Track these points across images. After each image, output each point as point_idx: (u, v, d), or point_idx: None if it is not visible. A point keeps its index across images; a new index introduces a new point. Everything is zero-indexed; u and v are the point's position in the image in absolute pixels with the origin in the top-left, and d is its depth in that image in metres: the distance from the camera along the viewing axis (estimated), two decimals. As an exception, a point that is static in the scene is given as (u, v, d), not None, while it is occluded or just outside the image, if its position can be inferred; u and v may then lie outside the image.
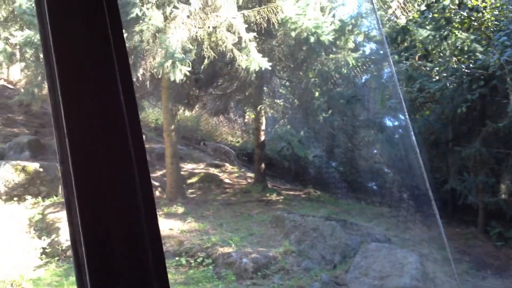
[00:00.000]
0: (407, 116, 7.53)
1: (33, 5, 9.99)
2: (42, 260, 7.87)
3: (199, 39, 10.16)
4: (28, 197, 9.71)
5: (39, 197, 9.78)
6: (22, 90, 14.94)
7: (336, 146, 13.65)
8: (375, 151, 13.63)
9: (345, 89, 12.16)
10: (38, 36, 10.18)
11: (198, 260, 7.91)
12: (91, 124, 1.08)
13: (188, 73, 9.72)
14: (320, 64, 11.49)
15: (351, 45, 11.33)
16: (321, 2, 10.93)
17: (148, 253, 1.07)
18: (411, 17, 11.45)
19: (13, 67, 17.67)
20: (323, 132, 13.04)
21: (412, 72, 10.34)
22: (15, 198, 9.61)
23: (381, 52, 12.61)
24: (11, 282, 6.95)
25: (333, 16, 11.13)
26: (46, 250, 8.06)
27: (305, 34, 10.29)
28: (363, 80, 13.16)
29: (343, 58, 11.33)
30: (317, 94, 11.66)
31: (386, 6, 12.91)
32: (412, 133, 6.75)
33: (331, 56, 11.52)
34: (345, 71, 11.77)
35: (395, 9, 12.38)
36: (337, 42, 11.22)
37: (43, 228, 8.76)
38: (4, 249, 7.96)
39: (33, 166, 10.01)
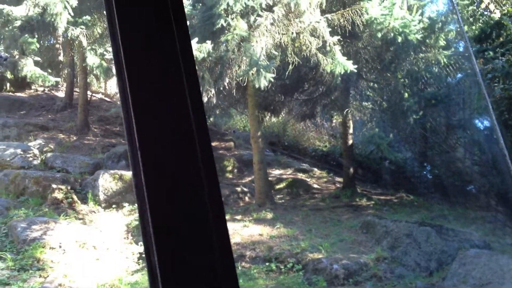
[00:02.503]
0: (493, 116, 7.06)
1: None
2: (139, 265, 8.21)
3: (283, 45, 10.22)
4: (125, 204, 10.20)
5: (136, 204, 10.23)
6: (118, 103, 15.79)
7: (429, 148, 13.11)
8: (472, 152, 12.93)
9: (437, 89, 11.68)
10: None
11: (288, 266, 7.90)
12: (162, 138, 1.12)
13: (272, 80, 9.79)
14: (409, 64, 11.14)
15: (442, 43, 10.87)
16: (408, 0, 10.63)
17: (219, 261, 1.08)
18: (505, 11, 10.80)
19: (110, 81, 18.76)
20: (414, 134, 12.59)
21: (509, 69, 9.73)
22: (114, 206, 10.13)
23: (475, 49, 12.01)
24: (111, 285, 7.34)
25: (421, 14, 10.73)
26: (143, 255, 8.41)
27: (392, 34, 10.02)
28: (456, 79, 12.56)
29: (433, 56, 10.91)
30: (406, 95, 11.30)
31: (478, 0, 12.30)
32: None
33: (421, 55, 11.13)
34: (436, 71, 11.31)
35: (488, 3, 11.75)
36: (427, 40, 10.81)
37: (140, 234, 9.15)
38: (104, 254, 8.41)
39: (129, 174, 10.49)
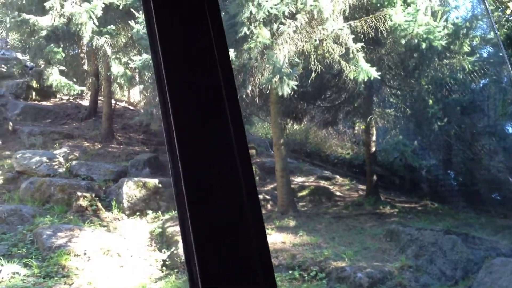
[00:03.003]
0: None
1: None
2: (162, 272, 8.26)
3: (306, 53, 10.21)
4: (149, 211, 10.27)
5: (159, 212, 10.31)
6: (142, 111, 15.96)
7: (454, 155, 12.92)
8: (498, 159, 12.72)
9: (462, 95, 11.54)
10: (154, 60, 10.85)
11: (311, 274, 7.85)
12: (203, 147, 1.13)
13: (295, 87, 9.79)
14: (433, 70, 11.03)
15: (466, 49, 10.74)
16: (432, 7, 10.54)
17: (259, 271, 1.08)
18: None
19: (133, 90, 18.96)
20: (438, 142, 12.43)
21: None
22: (137, 213, 10.22)
23: (500, 54, 11.85)
24: (135, 292, 7.40)
25: (446, 20, 10.63)
26: (166, 263, 8.45)
27: (416, 40, 9.96)
28: (481, 85, 12.40)
29: (458, 63, 10.79)
30: (430, 102, 11.17)
31: (503, 6, 12.12)
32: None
33: (445, 61, 11.01)
34: (460, 77, 11.18)
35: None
36: (451, 47, 10.69)
37: (163, 241, 9.21)
38: (128, 261, 8.47)
39: (153, 182, 10.59)
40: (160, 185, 10.56)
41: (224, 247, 1.08)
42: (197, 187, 1.10)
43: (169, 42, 1.18)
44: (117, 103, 16.79)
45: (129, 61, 12.39)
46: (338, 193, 12.43)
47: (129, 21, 11.21)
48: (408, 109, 12.03)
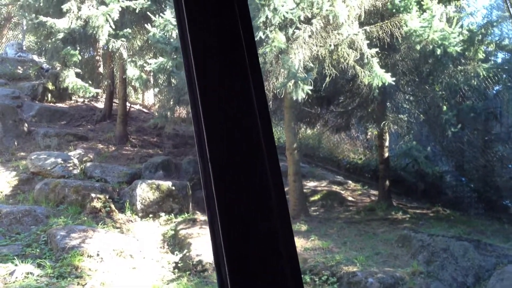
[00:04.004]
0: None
1: (166, 34, 10.77)
2: (174, 274, 8.29)
3: (320, 58, 10.23)
4: (162, 214, 10.34)
5: (172, 214, 10.37)
6: (156, 114, 16.07)
7: (467, 162, 12.84)
8: (511, 166, 12.62)
9: (476, 101, 11.48)
10: (170, 63, 10.93)
11: (323, 279, 7.84)
12: (233, 150, 1.15)
13: (310, 92, 9.80)
14: (447, 76, 10.97)
15: (481, 55, 10.69)
16: (447, 13, 10.50)
17: (287, 272, 1.10)
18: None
19: (147, 93, 19.10)
20: (452, 148, 12.36)
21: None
22: (150, 215, 10.29)
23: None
24: (147, 293, 7.45)
25: (461, 26, 10.58)
26: (179, 265, 8.49)
27: (431, 46, 9.91)
28: (494, 92, 12.32)
29: (472, 69, 10.73)
30: (444, 108, 11.12)
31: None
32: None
33: (460, 68, 10.96)
34: (475, 83, 11.12)
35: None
36: (466, 53, 10.64)
37: (176, 243, 9.26)
38: (141, 263, 8.53)
39: (166, 184, 10.66)
40: (173, 188, 10.62)
41: (253, 248, 1.11)
42: (227, 190, 1.13)
43: (200, 45, 1.20)
44: (132, 105, 16.93)
45: (144, 64, 12.48)
46: (350, 198, 12.41)
47: (145, 25, 11.30)
48: (421, 115, 11.98)
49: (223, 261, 1.09)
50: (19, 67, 17.25)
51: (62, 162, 11.45)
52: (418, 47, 10.04)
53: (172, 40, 10.71)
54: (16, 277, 7.34)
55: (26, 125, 13.53)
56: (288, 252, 1.13)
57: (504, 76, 11.69)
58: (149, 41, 12.46)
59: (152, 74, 13.13)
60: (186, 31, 1.22)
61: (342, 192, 12.76)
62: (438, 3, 10.15)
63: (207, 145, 1.15)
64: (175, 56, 10.89)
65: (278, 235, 1.13)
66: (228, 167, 1.14)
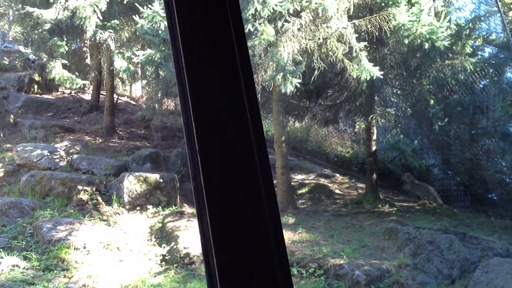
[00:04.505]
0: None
1: (154, 25, 10.68)
2: (162, 266, 8.29)
3: (309, 51, 10.22)
4: (149, 206, 10.30)
5: (159, 207, 10.34)
6: (144, 106, 15.99)
7: (453, 155, 12.95)
8: (496, 160, 12.75)
9: (463, 96, 11.57)
10: (158, 55, 10.85)
11: (310, 271, 7.88)
12: (222, 142, 1.15)
13: (298, 85, 9.80)
14: (435, 70, 11.02)
15: (468, 50, 10.75)
16: (436, 7, 10.54)
17: (276, 263, 1.11)
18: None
19: (135, 85, 18.98)
20: (438, 141, 12.46)
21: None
22: (138, 208, 10.25)
23: (502, 56, 11.87)
24: (134, 286, 7.43)
25: (449, 21, 10.63)
26: (166, 257, 8.49)
27: (419, 40, 9.94)
28: (481, 86, 12.43)
29: (460, 63, 10.78)
30: (432, 102, 11.20)
31: (506, 8, 12.14)
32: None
33: (447, 62, 11.01)
34: (462, 77, 11.19)
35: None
36: (453, 47, 10.70)
37: (163, 236, 9.24)
38: (128, 255, 8.51)
39: (154, 177, 10.62)
40: (161, 180, 10.59)
41: (242, 240, 1.10)
42: (216, 182, 1.12)
43: (189, 36, 1.19)
44: (119, 97, 16.82)
45: (132, 56, 12.38)
46: (337, 191, 12.47)
47: (133, 16, 11.20)
48: (409, 109, 12.06)
49: (212, 253, 1.09)
50: (5, 58, 17.06)
51: (48, 154, 11.35)
52: (406, 41, 10.06)
53: (160, 32, 10.64)
54: (2, 270, 7.31)
55: (12, 116, 13.40)
56: (277, 243, 1.12)
57: (491, 70, 11.80)
58: (137, 33, 12.36)
59: (140, 66, 13.03)
60: (175, 21, 1.21)
61: (330, 185, 12.81)
62: (427, -3, 10.19)
63: (195, 136, 1.14)
64: (163, 48, 10.82)
65: (268, 226, 1.13)
66: (217, 159, 1.14)
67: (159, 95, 12.23)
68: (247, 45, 1.26)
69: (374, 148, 11.98)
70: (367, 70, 9.64)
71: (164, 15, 10.32)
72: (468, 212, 11.53)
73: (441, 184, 13.17)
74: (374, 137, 11.97)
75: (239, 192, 1.13)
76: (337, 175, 13.71)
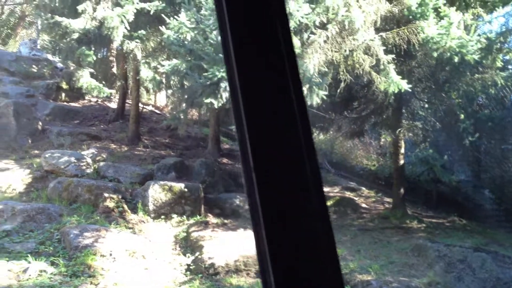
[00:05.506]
0: None
1: (180, 36, 10.75)
2: (186, 276, 8.24)
3: (335, 63, 10.17)
4: (174, 215, 10.30)
5: (184, 216, 10.33)
6: (168, 115, 16.09)
7: (483, 171, 12.73)
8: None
9: (493, 110, 11.38)
10: (184, 65, 10.89)
11: (337, 286, 7.75)
12: (277, 159, 1.13)
13: (324, 97, 9.76)
14: (465, 84, 10.88)
15: (499, 64, 10.59)
16: (465, 20, 10.42)
17: (330, 277, 1.09)
18: None
19: (159, 94, 19.15)
20: (468, 157, 12.27)
21: None
22: (162, 216, 10.26)
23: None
24: (159, 295, 7.41)
25: (479, 34, 10.49)
26: (191, 267, 8.45)
27: (448, 54, 9.83)
28: (512, 101, 12.23)
29: (490, 77, 10.62)
30: (462, 116, 11.03)
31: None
32: None
33: (477, 76, 10.86)
34: (492, 92, 11.02)
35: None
36: (483, 61, 10.55)
37: (188, 245, 9.22)
38: (153, 263, 8.49)
39: (178, 186, 10.63)
40: (185, 190, 10.59)
41: (299, 257, 1.09)
42: (272, 199, 1.11)
43: (242, 50, 1.19)
44: (144, 106, 16.96)
45: (158, 66, 12.48)
46: (363, 205, 12.32)
47: (159, 27, 11.29)
48: (438, 123, 11.89)
49: (269, 271, 1.07)
50: (33, 66, 17.35)
51: (75, 161, 11.46)
52: (435, 54, 9.95)
53: (186, 42, 10.70)
54: (30, 275, 7.34)
55: (40, 123, 13.59)
56: (331, 261, 1.10)
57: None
58: (163, 43, 12.47)
59: (164, 75, 13.12)
60: (228, 37, 1.22)
61: (356, 198, 12.67)
62: (456, 10, 10.08)
63: (250, 154, 1.13)
64: (189, 58, 10.87)
65: (322, 244, 1.11)
66: (273, 176, 1.12)
67: (184, 105, 12.27)
68: (297, 66, 1.26)
69: (402, 162, 11.81)
70: (395, 83, 9.57)
71: (190, 26, 10.46)
72: (499, 230, 11.27)
73: (471, 200, 12.93)
74: (402, 151, 11.80)
75: (295, 209, 1.12)
76: (363, 188, 13.57)
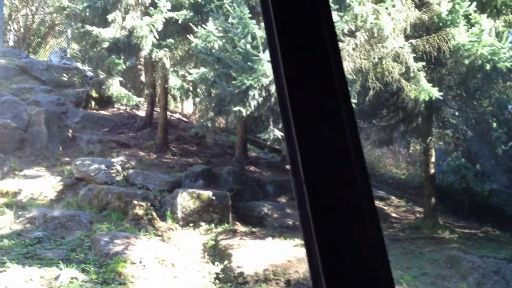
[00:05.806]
0: None
1: (208, 45, 10.82)
2: (215, 285, 8.23)
3: (364, 70, 10.10)
4: (202, 223, 10.32)
5: (212, 224, 10.35)
6: (195, 123, 16.19)
7: (517, 181, 12.47)
8: None
9: (526, 119, 11.17)
10: (212, 74, 10.94)
11: (368, 297, 7.65)
12: (328, 173, 1.14)
13: (353, 105, 9.68)
14: (497, 92, 10.68)
15: (532, 72, 10.37)
16: (496, 27, 10.25)
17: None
18: None
19: (186, 102, 19.30)
20: (502, 166, 12.01)
21: None
22: (191, 224, 10.29)
23: None
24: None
25: (511, 41, 10.30)
26: (219, 276, 8.44)
27: (480, 61, 9.67)
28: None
29: (523, 85, 10.44)
30: (494, 124, 10.83)
31: None
32: None
33: (509, 83, 10.67)
34: (525, 100, 10.82)
35: None
36: (516, 69, 10.34)
37: (216, 254, 9.22)
38: (182, 271, 8.52)
39: (206, 194, 10.66)
40: (213, 198, 10.61)
41: (352, 272, 1.09)
42: (323, 213, 1.11)
43: (291, 56, 1.20)
44: (171, 114, 17.10)
45: (186, 74, 12.59)
46: (394, 215, 12.16)
47: (187, 35, 11.39)
48: (469, 131, 11.70)
49: (322, 285, 1.08)
50: (64, 75, 17.66)
51: (105, 168, 11.60)
52: (466, 62, 9.80)
53: (214, 51, 10.76)
54: (62, 282, 7.42)
55: (70, 131, 13.81)
56: (383, 269, 1.11)
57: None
58: (191, 51, 12.58)
59: (191, 84, 13.21)
60: (277, 54, 1.22)
61: (385, 208, 12.52)
62: (487, 17, 9.93)
63: (301, 165, 1.13)
64: (216, 67, 10.93)
65: (374, 251, 1.12)
66: (323, 190, 1.13)
67: (212, 113, 12.33)
68: (346, 81, 1.26)
69: (432, 171, 11.60)
70: (426, 90, 9.46)
71: (218, 35, 10.52)
72: (534, 241, 11.01)
73: (505, 210, 12.65)
74: (433, 159, 11.59)
75: (346, 224, 1.12)
76: (393, 197, 13.40)
